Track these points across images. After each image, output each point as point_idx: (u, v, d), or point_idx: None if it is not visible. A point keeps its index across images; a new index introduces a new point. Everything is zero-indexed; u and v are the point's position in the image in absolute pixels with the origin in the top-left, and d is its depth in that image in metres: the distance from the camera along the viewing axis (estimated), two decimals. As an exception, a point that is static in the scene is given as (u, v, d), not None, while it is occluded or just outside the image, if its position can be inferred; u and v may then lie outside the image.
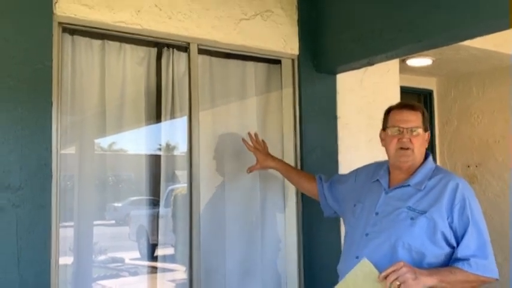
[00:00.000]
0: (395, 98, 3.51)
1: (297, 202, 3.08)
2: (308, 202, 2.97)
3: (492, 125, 4.40)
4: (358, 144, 3.30)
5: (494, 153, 4.37)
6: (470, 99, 4.58)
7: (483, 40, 3.03)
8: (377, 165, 2.36)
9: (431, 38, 2.50)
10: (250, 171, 2.80)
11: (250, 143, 2.78)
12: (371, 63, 2.98)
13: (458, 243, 2.00)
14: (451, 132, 4.70)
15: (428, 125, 2.22)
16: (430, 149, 4.63)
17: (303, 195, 3.01)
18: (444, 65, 4.28)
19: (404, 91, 3.87)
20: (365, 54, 2.85)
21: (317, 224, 3.02)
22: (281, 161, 2.85)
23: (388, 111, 2.24)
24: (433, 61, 4.11)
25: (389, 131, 2.18)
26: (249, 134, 2.80)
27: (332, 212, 2.60)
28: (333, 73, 3.20)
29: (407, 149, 2.13)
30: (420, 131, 2.14)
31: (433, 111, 4.79)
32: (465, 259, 1.96)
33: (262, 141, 2.83)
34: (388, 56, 2.85)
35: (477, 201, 2.07)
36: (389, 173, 2.25)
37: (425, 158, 2.19)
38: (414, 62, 4.10)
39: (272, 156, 2.81)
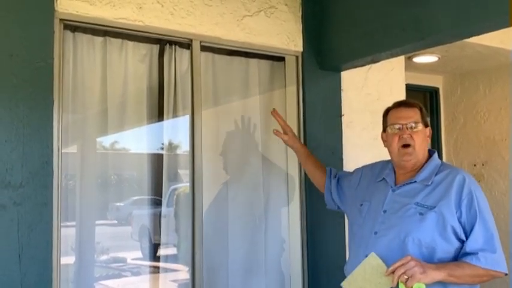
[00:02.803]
0: (401, 96, 3.48)
1: (301, 200, 3.05)
2: (312, 200, 2.95)
3: (499, 123, 4.35)
4: (363, 142, 3.28)
5: (501, 151, 4.32)
6: (476, 96, 4.53)
7: (489, 37, 3.00)
8: (383, 164, 2.35)
9: (433, 35, 2.51)
10: (276, 133, 2.71)
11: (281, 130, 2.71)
12: (375, 61, 2.98)
13: (467, 238, 1.98)
14: (457, 130, 4.66)
15: (428, 120, 2.21)
16: (437, 147, 4.62)
17: (306, 193, 3.00)
18: (450, 63, 4.25)
19: (410, 89, 3.84)
20: (369, 51, 2.85)
21: (321, 222, 2.99)
22: (305, 147, 2.81)
23: (386, 112, 2.25)
24: (439, 58, 4.07)
25: (389, 130, 2.19)
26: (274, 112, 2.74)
27: (335, 207, 2.58)
28: (337, 70, 3.17)
29: (409, 146, 2.12)
30: (420, 126, 2.14)
31: (439, 108, 4.75)
32: (473, 253, 1.95)
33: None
34: (393, 54, 2.85)
35: (484, 196, 2.06)
36: (395, 171, 2.24)
37: (431, 155, 2.18)
38: (420, 59, 4.07)
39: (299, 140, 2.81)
